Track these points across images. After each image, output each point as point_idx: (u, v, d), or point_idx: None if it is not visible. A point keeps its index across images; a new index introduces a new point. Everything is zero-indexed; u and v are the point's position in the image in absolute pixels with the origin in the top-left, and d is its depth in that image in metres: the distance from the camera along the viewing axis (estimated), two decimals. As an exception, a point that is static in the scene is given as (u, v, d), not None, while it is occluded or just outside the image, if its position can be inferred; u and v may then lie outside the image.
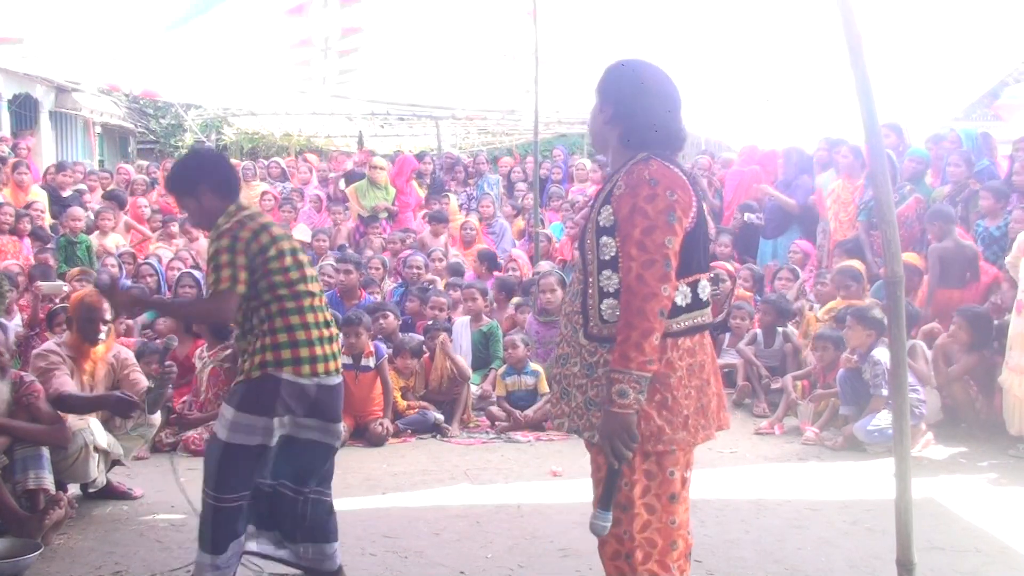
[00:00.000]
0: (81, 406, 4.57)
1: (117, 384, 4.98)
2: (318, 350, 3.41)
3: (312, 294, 3.45)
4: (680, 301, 2.53)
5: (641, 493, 2.52)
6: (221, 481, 3.37)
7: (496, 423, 6.47)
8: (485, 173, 12.45)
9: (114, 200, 10.17)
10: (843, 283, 6.92)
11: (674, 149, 2.65)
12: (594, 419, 2.51)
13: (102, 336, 4.85)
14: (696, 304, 2.57)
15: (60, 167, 11.15)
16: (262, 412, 3.35)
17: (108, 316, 4.88)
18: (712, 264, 2.84)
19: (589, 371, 2.55)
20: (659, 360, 2.46)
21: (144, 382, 4.90)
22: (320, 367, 3.41)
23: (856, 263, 7.20)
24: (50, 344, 4.92)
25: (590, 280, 2.58)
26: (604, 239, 2.54)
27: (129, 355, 5.14)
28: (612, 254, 2.51)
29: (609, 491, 2.50)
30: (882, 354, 5.59)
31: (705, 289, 2.60)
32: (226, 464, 3.37)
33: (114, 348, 5.10)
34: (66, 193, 10.52)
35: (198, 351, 6.37)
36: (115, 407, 4.55)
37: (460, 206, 11.28)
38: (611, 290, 2.52)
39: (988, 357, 6.06)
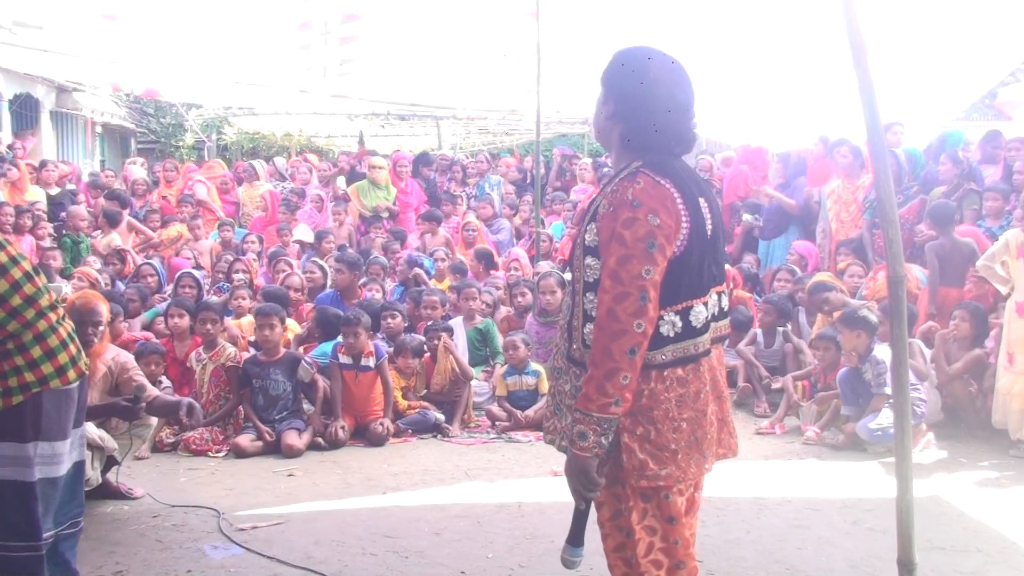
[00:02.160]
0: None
1: (116, 387, 4.97)
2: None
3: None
4: (666, 331, 2.36)
5: (639, 518, 2.44)
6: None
7: (496, 423, 6.47)
8: (486, 173, 12.44)
9: (116, 200, 10.19)
10: (818, 303, 6.94)
11: (677, 152, 2.48)
12: None
13: (96, 340, 4.80)
14: (688, 333, 2.38)
15: (42, 165, 11.15)
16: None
17: (102, 319, 4.86)
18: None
19: (576, 393, 2.41)
20: (635, 396, 2.34)
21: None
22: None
23: (825, 275, 7.19)
24: None
25: (577, 299, 2.45)
26: (589, 260, 2.39)
27: (128, 359, 5.12)
28: (596, 276, 2.36)
29: (578, 528, 2.46)
30: (884, 353, 5.60)
31: (700, 315, 2.40)
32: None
33: (113, 351, 5.09)
34: (52, 191, 10.53)
35: (194, 352, 6.36)
36: (122, 414, 4.52)
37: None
38: (595, 314, 2.35)
39: (986, 356, 6.08)
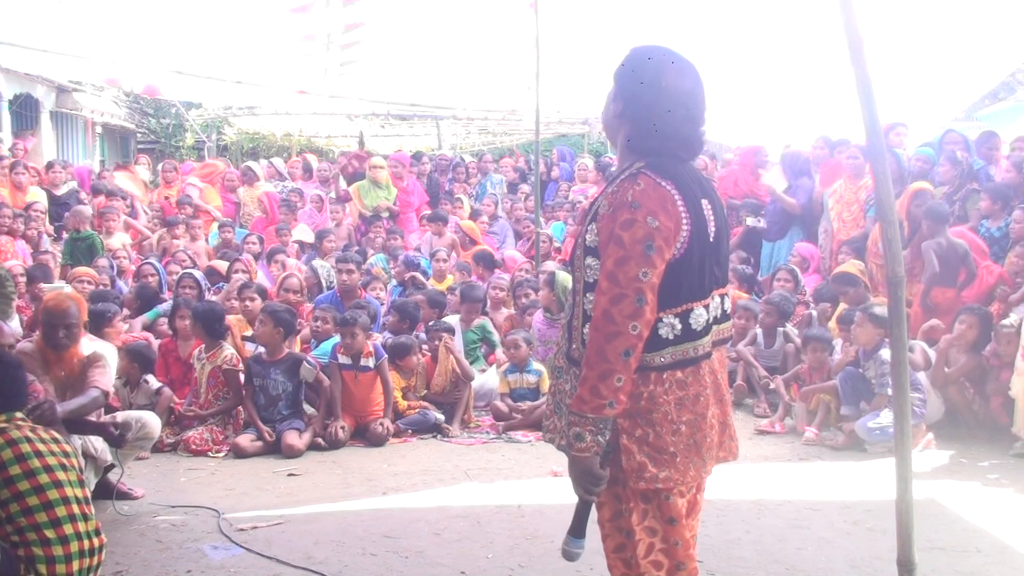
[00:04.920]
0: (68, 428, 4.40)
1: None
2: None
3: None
4: (665, 333, 2.34)
5: (639, 519, 2.44)
6: None
7: (500, 422, 6.47)
8: (489, 173, 12.44)
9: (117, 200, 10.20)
10: (841, 290, 6.99)
11: (680, 156, 2.44)
12: None
13: (68, 342, 4.63)
14: (687, 335, 2.37)
15: (48, 166, 11.17)
16: None
17: (75, 321, 4.67)
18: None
19: (575, 393, 2.39)
20: (635, 398, 2.33)
21: (103, 383, 4.66)
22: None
23: (850, 267, 7.18)
24: (23, 344, 4.78)
25: (577, 299, 2.44)
26: (589, 260, 2.38)
27: (99, 354, 4.83)
28: (596, 277, 2.34)
29: (580, 520, 2.44)
30: (888, 353, 5.60)
31: (700, 318, 2.38)
32: None
33: (89, 348, 4.88)
34: (60, 192, 10.55)
35: (196, 352, 6.36)
36: (109, 439, 4.48)
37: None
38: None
39: (984, 359, 6.06)
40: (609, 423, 2.33)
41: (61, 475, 3.15)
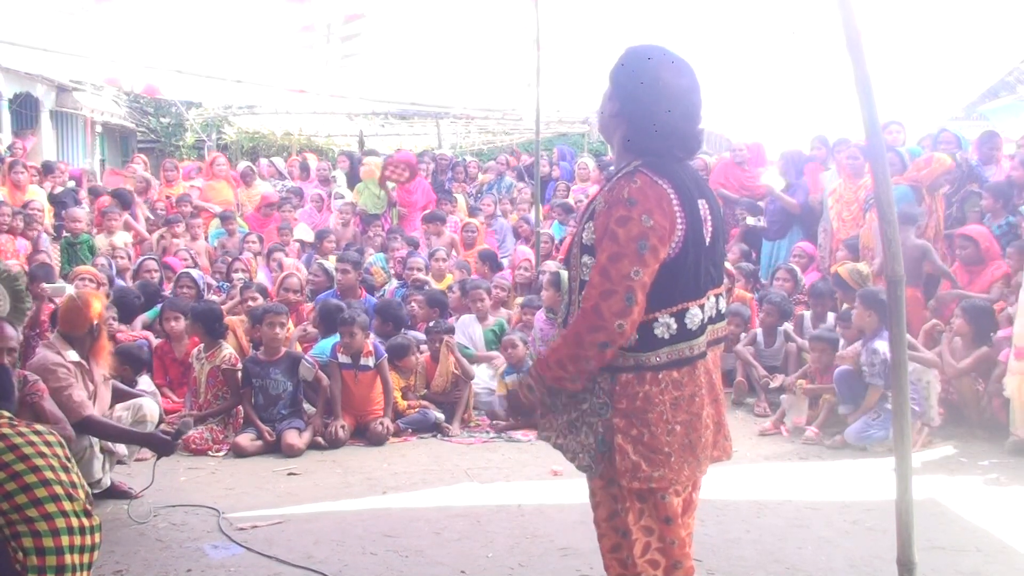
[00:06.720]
0: (111, 435, 4.54)
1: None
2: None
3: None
4: (661, 333, 2.36)
5: (636, 519, 2.45)
6: None
7: (496, 421, 6.47)
8: (504, 174, 12.41)
9: (118, 199, 10.19)
10: (838, 290, 7.04)
11: (679, 156, 2.45)
12: (576, 442, 2.45)
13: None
14: (683, 335, 2.38)
15: (47, 168, 11.14)
16: None
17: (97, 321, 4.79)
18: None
19: (573, 392, 2.42)
20: (631, 398, 2.35)
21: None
22: None
23: (843, 268, 7.19)
24: (51, 355, 4.57)
25: (573, 298, 2.44)
26: (586, 259, 2.39)
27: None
28: None
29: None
30: (882, 345, 5.61)
31: (695, 317, 2.39)
32: None
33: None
34: (57, 191, 10.55)
35: (195, 351, 6.36)
36: (157, 446, 4.53)
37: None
38: None
39: (993, 354, 6.06)
40: (563, 395, 2.41)
41: (49, 474, 3.17)
